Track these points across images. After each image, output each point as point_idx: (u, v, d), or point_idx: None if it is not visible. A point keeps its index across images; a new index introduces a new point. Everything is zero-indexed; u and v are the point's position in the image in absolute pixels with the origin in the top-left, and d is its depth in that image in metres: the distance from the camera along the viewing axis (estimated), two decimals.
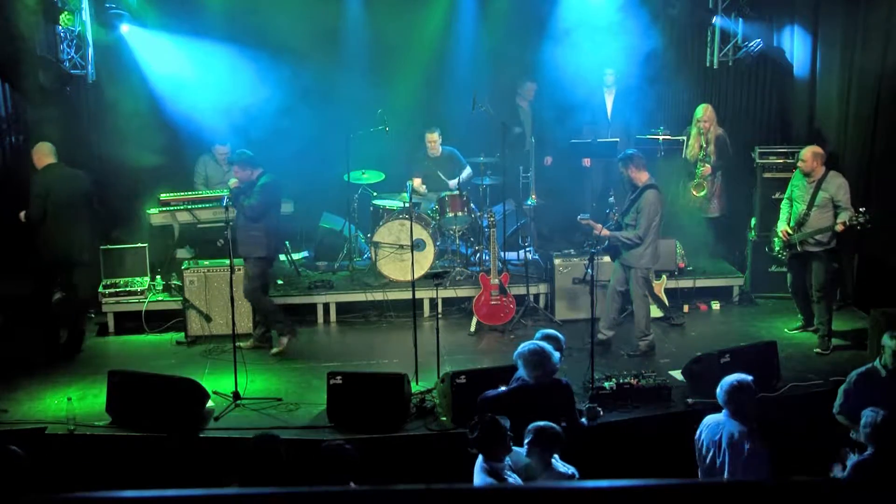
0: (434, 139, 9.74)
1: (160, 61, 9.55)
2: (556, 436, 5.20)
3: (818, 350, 8.21)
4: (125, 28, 9.26)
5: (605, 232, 8.05)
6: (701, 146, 9.49)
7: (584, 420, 6.51)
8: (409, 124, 10.10)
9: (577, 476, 5.41)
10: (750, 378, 5.45)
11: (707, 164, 9.46)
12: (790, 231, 8.31)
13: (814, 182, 8.18)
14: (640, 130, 9.91)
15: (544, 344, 5.94)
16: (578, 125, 10.17)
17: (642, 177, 7.95)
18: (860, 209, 7.92)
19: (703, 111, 9.47)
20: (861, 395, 5.98)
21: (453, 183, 9.74)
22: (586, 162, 10.13)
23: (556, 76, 10.09)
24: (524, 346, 5.94)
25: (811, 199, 8.17)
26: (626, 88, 10.12)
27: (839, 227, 7.98)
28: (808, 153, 8.22)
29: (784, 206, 8.53)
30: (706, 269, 9.59)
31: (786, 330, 8.72)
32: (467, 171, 9.95)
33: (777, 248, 8.59)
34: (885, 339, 6.18)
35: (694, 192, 9.54)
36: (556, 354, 5.95)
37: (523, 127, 10.46)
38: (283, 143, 10.03)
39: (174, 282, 8.89)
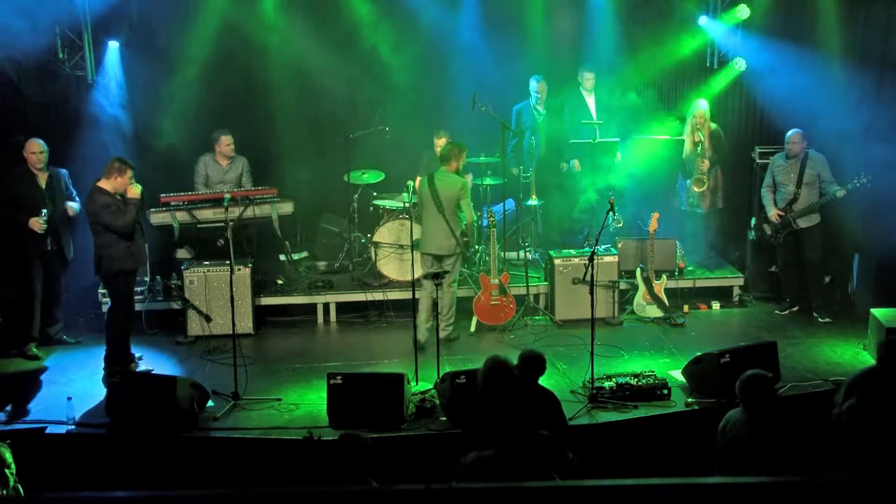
0: (441, 144, 9.75)
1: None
2: None
3: (819, 318, 8.81)
4: (113, 44, 9.30)
5: None
6: (696, 142, 9.49)
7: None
8: (410, 124, 10.09)
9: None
10: (769, 374, 5.49)
11: (705, 160, 9.45)
12: (782, 213, 8.82)
13: (797, 162, 8.76)
14: (639, 131, 9.88)
15: (508, 366, 5.74)
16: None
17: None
18: (860, 173, 8.41)
19: (696, 107, 9.48)
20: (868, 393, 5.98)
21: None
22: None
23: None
24: (494, 358, 5.82)
25: (798, 177, 8.73)
26: (616, 90, 10.04)
27: (840, 194, 8.56)
28: (797, 136, 8.81)
29: (765, 193, 9.03)
30: (706, 268, 9.61)
31: (776, 312, 9.11)
32: (469, 178, 9.94)
33: (769, 234, 9.02)
34: None
35: (695, 188, 9.52)
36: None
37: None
38: (283, 143, 10.06)
39: (174, 282, 8.88)
